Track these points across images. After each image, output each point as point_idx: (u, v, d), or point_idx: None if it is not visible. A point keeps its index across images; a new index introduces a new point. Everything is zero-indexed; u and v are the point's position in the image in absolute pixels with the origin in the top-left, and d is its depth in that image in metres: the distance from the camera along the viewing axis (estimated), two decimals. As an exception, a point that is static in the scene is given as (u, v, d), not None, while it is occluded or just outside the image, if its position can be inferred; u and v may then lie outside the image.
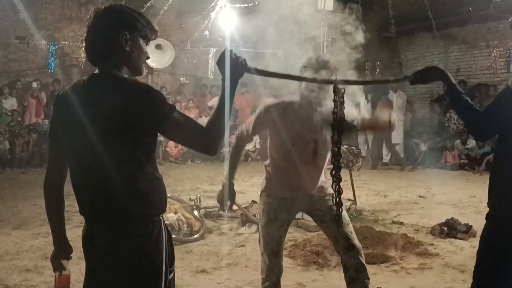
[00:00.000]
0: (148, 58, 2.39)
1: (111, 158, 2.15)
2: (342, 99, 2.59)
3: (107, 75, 2.22)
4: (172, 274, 2.36)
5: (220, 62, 2.28)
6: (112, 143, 2.14)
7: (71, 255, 2.51)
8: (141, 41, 2.30)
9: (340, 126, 2.59)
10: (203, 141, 2.19)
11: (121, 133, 2.13)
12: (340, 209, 2.76)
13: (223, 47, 2.35)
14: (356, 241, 3.43)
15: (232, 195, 3.60)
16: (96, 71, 2.28)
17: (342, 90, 2.59)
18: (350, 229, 3.46)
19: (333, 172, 2.63)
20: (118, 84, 2.18)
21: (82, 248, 2.34)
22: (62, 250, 2.47)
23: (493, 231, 2.60)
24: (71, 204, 2.56)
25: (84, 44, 2.31)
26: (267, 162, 3.61)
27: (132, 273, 2.20)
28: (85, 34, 2.29)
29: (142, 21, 2.29)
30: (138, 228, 2.20)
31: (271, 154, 3.52)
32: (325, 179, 3.56)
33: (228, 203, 3.59)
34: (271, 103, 3.44)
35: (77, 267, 3.69)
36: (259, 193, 3.66)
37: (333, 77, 3.20)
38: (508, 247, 2.50)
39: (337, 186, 2.64)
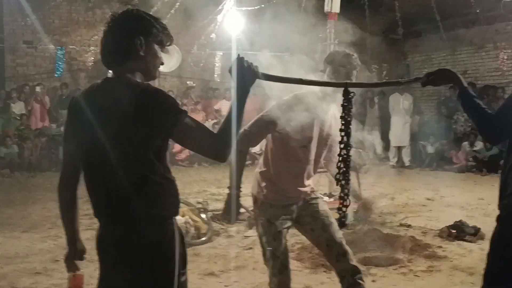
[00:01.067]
0: (162, 64, 2.40)
1: (124, 161, 2.18)
2: (351, 103, 2.58)
3: (121, 80, 2.25)
4: (184, 277, 2.39)
5: (232, 69, 2.28)
6: (125, 147, 2.17)
7: (84, 256, 2.54)
8: (156, 46, 2.32)
9: (349, 130, 2.58)
10: (213, 147, 2.21)
11: (134, 137, 2.16)
12: (345, 213, 2.68)
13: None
14: (347, 247, 3.38)
15: (238, 208, 3.52)
16: (110, 75, 2.30)
17: (352, 94, 2.58)
18: (340, 234, 3.41)
19: (341, 177, 2.60)
20: (132, 89, 2.20)
21: (96, 251, 2.35)
22: (76, 251, 2.49)
23: (505, 233, 2.59)
24: (80, 208, 2.59)
25: (100, 48, 2.34)
26: (263, 168, 3.50)
27: (145, 276, 2.23)
28: (101, 37, 2.32)
29: (158, 27, 2.31)
30: (151, 231, 2.23)
31: (274, 158, 3.42)
32: (313, 185, 3.55)
33: (235, 216, 3.50)
34: (280, 101, 3.39)
35: (86, 270, 3.70)
36: (256, 203, 3.54)
37: (353, 76, 3.25)
38: None
39: (346, 191, 2.62)
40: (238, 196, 3.47)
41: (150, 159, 2.20)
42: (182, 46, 13.33)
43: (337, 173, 2.60)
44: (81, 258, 2.52)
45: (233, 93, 2.28)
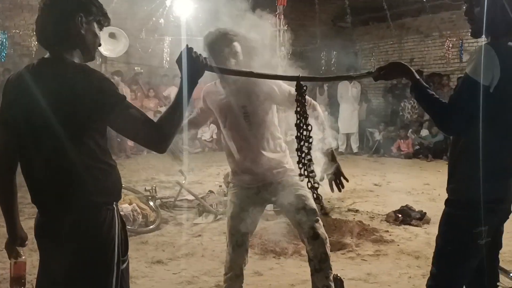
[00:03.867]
0: (100, 45, 2.34)
1: (60, 145, 2.10)
2: (304, 97, 2.52)
3: (58, 60, 2.16)
4: (125, 264, 2.32)
5: (179, 60, 2.20)
6: (62, 130, 2.09)
7: (26, 242, 2.47)
8: (95, 25, 2.26)
9: (306, 124, 2.52)
10: (151, 137, 2.13)
11: (71, 119, 2.08)
12: (317, 196, 2.62)
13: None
14: (322, 230, 3.37)
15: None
16: (47, 55, 2.21)
17: (305, 87, 2.53)
18: (314, 217, 3.40)
19: (304, 173, 2.55)
20: (69, 70, 2.12)
21: (34, 239, 2.29)
22: (16, 237, 2.43)
23: (452, 216, 2.62)
24: (23, 196, 2.49)
25: (36, 27, 2.24)
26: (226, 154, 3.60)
27: (84, 262, 2.17)
28: (37, 16, 2.22)
29: (97, 5, 2.26)
30: (89, 216, 2.16)
31: (224, 139, 3.54)
32: (287, 165, 3.49)
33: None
34: (204, 90, 3.50)
35: (29, 259, 3.57)
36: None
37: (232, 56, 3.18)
38: (468, 231, 2.52)
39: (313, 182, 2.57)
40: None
41: (87, 143, 2.13)
42: (130, 31, 13.03)
43: (300, 169, 2.55)
44: (22, 245, 2.45)
45: (180, 84, 2.19)
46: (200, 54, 2.22)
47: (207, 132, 13.39)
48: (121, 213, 6.38)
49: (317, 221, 3.38)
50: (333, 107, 13.83)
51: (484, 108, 2.44)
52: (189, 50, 2.20)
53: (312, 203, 3.41)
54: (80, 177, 2.13)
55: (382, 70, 2.63)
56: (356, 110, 13.73)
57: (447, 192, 2.66)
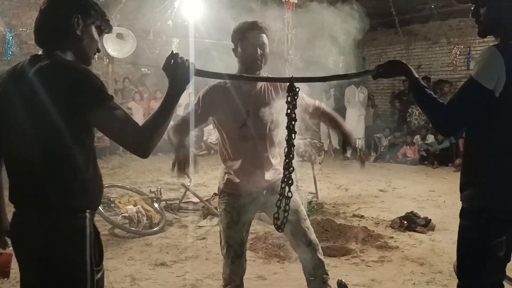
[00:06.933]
0: (99, 51, 2.32)
1: (41, 145, 2.07)
2: (295, 99, 2.47)
3: (48, 57, 2.13)
4: (100, 274, 2.27)
5: (166, 67, 2.17)
6: (43, 129, 2.05)
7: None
8: (93, 29, 2.24)
9: (294, 128, 2.48)
10: (134, 139, 2.08)
11: (52, 118, 2.02)
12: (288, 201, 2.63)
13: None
14: (313, 237, 3.34)
15: (184, 157, 3.07)
16: (40, 53, 2.20)
17: (297, 89, 2.48)
18: (307, 224, 3.36)
19: (286, 173, 2.53)
20: (55, 65, 2.08)
21: (10, 239, 2.28)
22: (3, 228, 2.43)
23: (467, 229, 2.53)
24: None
25: (35, 26, 2.23)
26: (221, 159, 3.42)
27: (50, 269, 2.11)
28: (37, 15, 2.21)
29: (98, 10, 2.25)
30: (60, 222, 2.10)
31: (225, 144, 3.32)
32: (280, 168, 3.39)
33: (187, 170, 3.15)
34: (212, 84, 3.28)
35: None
36: (218, 192, 3.46)
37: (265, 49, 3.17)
38: (484, 244, 2.44)
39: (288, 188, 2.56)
40: (182, 147, 3.12)
41: (69, 145, 2.07)
42: (138, 32, 13.07)
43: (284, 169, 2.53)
44: (8, 236, 2.40)
45: (167, 89, 2.15)
46: (186, 60, 2.18)
47: (213, 134, 13.37)
48: (126, 214, 6.39)
49: (308, 228, 3.35)
50: (339, 112, 13.81)
51: (490, 112, 2.39)
52: (175, 56, 2.17)
53: (303, 209, 3.37)
54: (55, 179, 2.08)
55: (381, 68, 2.60)
56: (363, 115, 13.72)
57: (461, 200, 2.58)
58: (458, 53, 13.64)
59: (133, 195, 6.80)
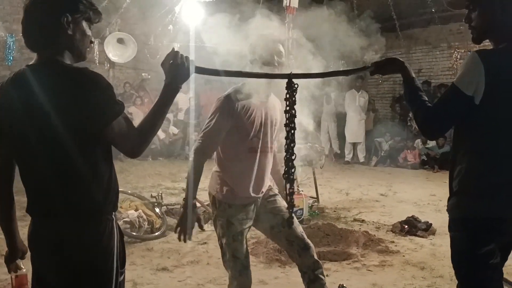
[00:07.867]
0: (92, 42, 2.26)
1: (57, 153, 2.04)
2: (295, 96, 2.45)
3: (51, 64, 2.08)
4: (122, 276, 2.27)
5: (165, 63, 2.17)
6: (59, 138, 2.01)
7: (25, 255, 2.41)
8: (84, 24, 2.16)
9: (293, 125, 2.46)
10: (135, 144, 2.10)
11: (67, 126, 2.00)
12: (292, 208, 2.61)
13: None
14: (308, 240, 3.35)
15: (194, 220, 3.24)
16: (37, 59, 2.13)
17: (296, 86, 2.45)
18: (301, 229, 3.39)
19: (287, 173, 2.50)
20: (66, 73, 2.05)
21: (29, 249, 2.23)
22: (16, 250, 2.38)
23: (454, 239, 2.53)
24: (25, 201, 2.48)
25: (22, 29, 2.16)
26: (218, 169, 3.39)
27: (81, 274, 2.10)
28: (22, 18, 2.15)
29: (85, 2, 2.16)
30: (88, 226, 2.10)
31: (228, 154, 3.31)
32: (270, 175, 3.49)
33: (192, 231, 3.26)
34: (228, 93, 3.24)
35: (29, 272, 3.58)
36: (214, 203, 3.41)
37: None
38: (473, 254, 2.43)
39: (290, 188, 2.51)
40: (194, 207, 3.25)
41: (87, 151, 2.06)
42: (138, 37, 13.10)
43: (284, 169, 2.51)
44: (22, 258, 2.41)
45: (163, 87, 2.16)
46: (186, 57, 2.18)
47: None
48: (127, 219, 6.37)
49: (302, 232, 3.36)
50: (340, 116, 13.83)
51: (471, 118, 2.38)
52: (175, 54, 2.17)
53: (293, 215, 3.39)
54: (77, 185, 2.07)
55: (378, 64, 2.61)
56: (363, 119, 13.72)
57: (446, 210, 2.57)
58: (458, 57, 13.62)
59: (134, 200, 6.81)
